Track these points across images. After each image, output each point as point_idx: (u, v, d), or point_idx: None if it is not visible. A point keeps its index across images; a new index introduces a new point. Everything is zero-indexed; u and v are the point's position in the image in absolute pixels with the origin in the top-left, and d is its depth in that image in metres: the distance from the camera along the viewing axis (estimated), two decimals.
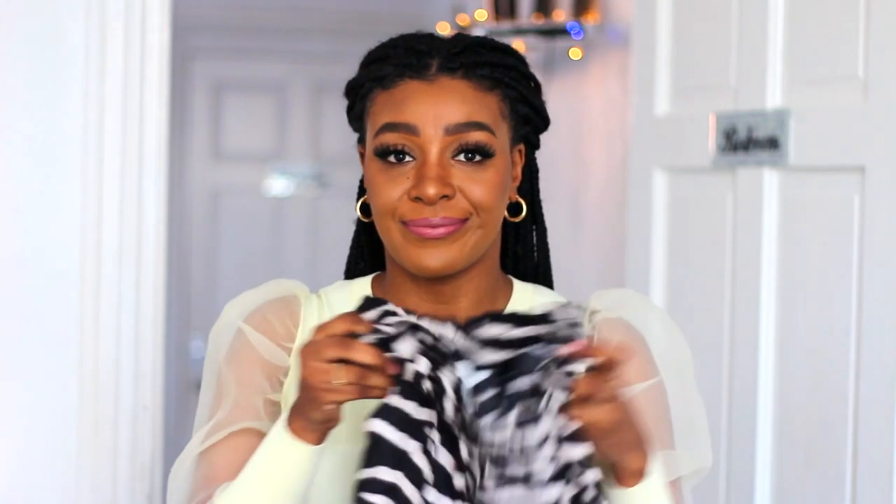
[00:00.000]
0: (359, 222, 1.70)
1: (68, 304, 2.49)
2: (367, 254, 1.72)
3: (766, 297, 2.62)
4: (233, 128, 5.89)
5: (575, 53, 4.25)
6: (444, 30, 4.89)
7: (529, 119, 1.61)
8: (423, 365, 1.37)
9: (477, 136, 1.53)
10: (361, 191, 1.66)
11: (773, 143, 2.60)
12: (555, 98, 4.42)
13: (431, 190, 1.51)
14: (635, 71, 3.08)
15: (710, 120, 2.78)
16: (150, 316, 2.56)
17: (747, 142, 2.67)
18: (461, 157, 1.53)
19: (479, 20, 4.51)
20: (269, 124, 5.90)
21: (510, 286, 1.66)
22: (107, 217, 2.51)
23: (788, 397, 2.58)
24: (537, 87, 1.63)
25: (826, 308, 2.48)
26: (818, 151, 2.51)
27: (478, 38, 1.59)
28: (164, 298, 2.61)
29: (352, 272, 1.74)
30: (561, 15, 4.26)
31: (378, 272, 1.69)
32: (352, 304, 1.56)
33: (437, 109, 1.53)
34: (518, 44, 4.39)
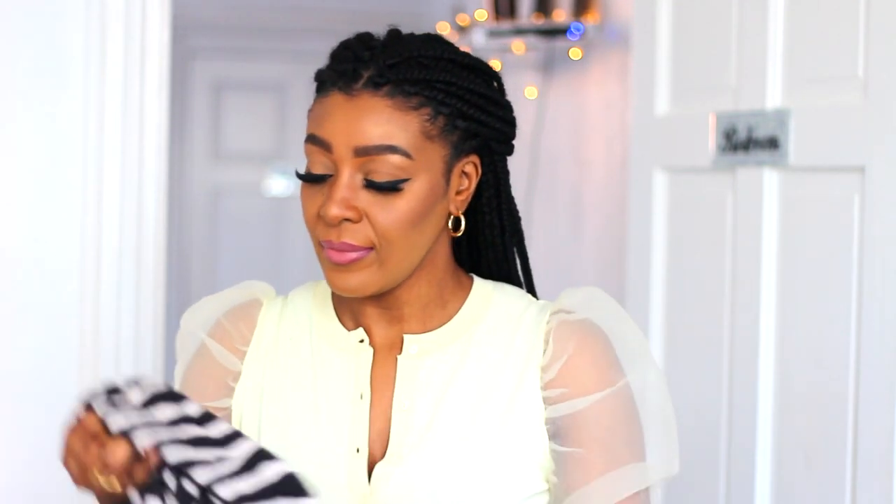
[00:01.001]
0: None
1: (68, 303, 2.49)
2: None
3: (766, 297, 2.62)
4: (233, 128, 5.89)
5: (575, 53, 4.25)
6: (444, 30, 4.89)
7: (476, 132, 1.57)
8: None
9: (390, 161, 1.47)
10: None
11: (773, 143, 2.60)
12: (555, 98, 4.42)
13: (332, 211, 1.47)
14: (635, 71, 3.08)
15: (710, 120, 2.78)
16: (150, 316, 2.56)
17: (747, 142, 2.67)
18: (369, 183, 1.48)
19: (479, 20, 4.51)
20: (269, 124, 5.90)
21: (468, 286, 1.62)
22: (107, 217, 2.51)
23: (788, 397, 2.57)
24: (487, 97, 1.59)
25: (826, 308, 2.48)
26: (818, 151, 2.51)
27: (421, 46, 1.54)
28: (164, 298, 2.61)
29: None
30: (561, 15, 4.26)
31: None
32: (314, 304, 1.60)
33: (350, 128, 1.48)
34: (518, 44, 4.39)
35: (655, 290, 2.97)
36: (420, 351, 1.58)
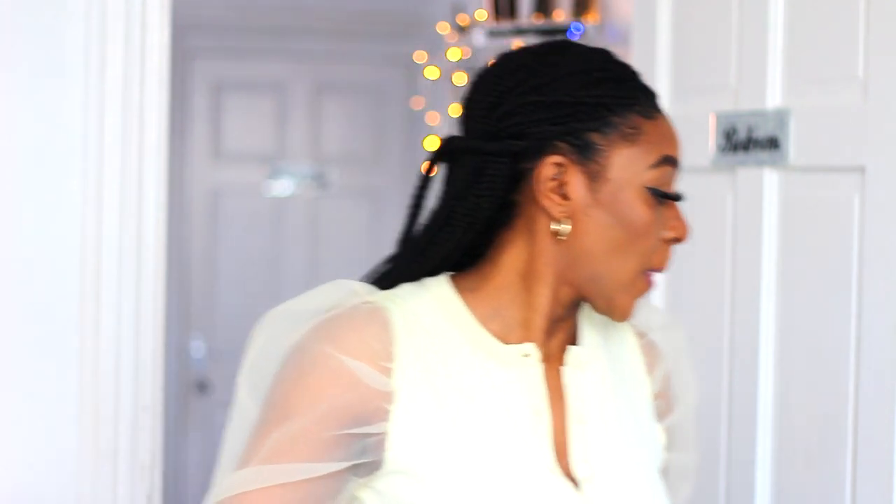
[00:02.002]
0: (477, 224, 1.53)
1: (68, 304, 2.49)
2: (456, 256, 1.57)
3: (766, 297, 2.62)
4: (233, 128, 5.89)
5: None
6: (444, 30, 4.89)
7: None
8: None
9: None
10: (487, 191, 1.52)
11: (773, 143, 2.60)
12: None
13: (688, 232, 1.55)
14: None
15: (710, 120, 2.78)
16: (150, 316, 2.56)
17: (747, 142, 2.67)
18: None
19: (479, 20, 4.51)
20: (269, 124, 5.90)
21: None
22: (107, 217, 2.51)
23: (788, 397, 2.57)
24: None
25: (826, 308, 2.47)
26: (818, 151, 2.51)
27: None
28: (164, 298, 2.61)
29: (433, 267, 1.57)
30: (561, 15, 4.26)
31: (445, 273, 1.57)
32: (444, 314, 1.50)
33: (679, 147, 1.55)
34: (518, 44, 4.39)
35: (655, 290, 2.96)
36: (580, 362, 1.57)
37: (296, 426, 1.43)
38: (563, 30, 4.20)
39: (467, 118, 1.55)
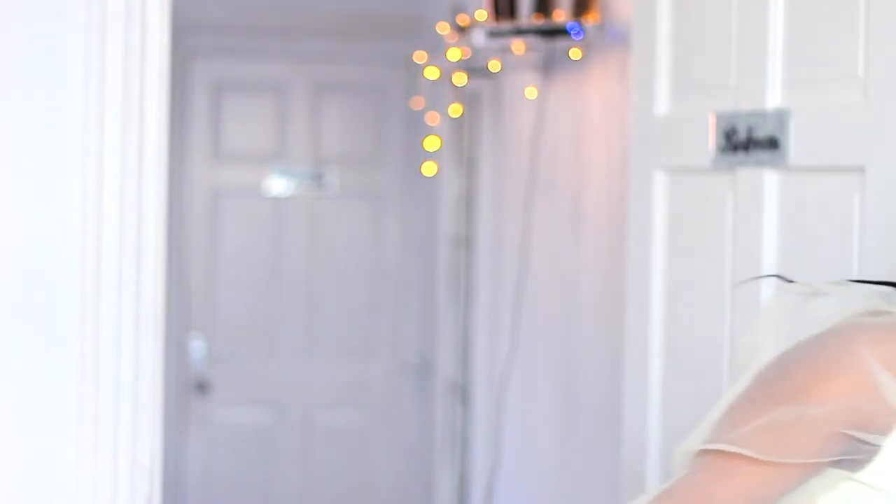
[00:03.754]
0: None
1: (68, 303, 2.49)
2: None
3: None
4: (233, 128, 5.89)
5: (575, 53, 4.25)
6: (444, 30, 4.89)
7: None
8: None
9: None
10: None
11: (773, 143, 2.60)
12: (555, 98, 4.42)
13: None
14: (635, 71, 3.08)
15: (710, 120, 2.78)
16: (150, 316, 2.55)
17: (747, 142, 2.67)
18: None
19: (479, 20, 4.51)
20: (269, 124, 5.90)
21: None
22: (107, 217, 2.51)
23: None
24: None
25: None
26: (818, 151, 2.51)
27: None
28: (164, 298, 2.60)
29: None
30: (561, 15, 4.26)
31: None
32: None
33: None
34: (518, 44, 4.39)
35: (655, 290, 2.96)
36: None
37: (807, 411, 1.40)
38: (563, 30, 4.20)
39: None
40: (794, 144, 2.55)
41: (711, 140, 2.78)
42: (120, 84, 2.51)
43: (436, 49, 5.03)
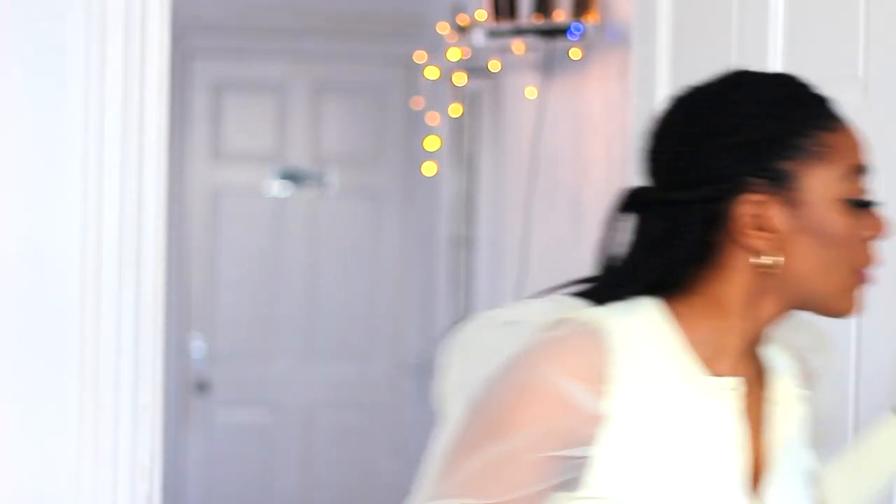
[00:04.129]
0: (679, 264, 1.51)
1: (68, 304, 2.49)
2: (682, 274, 1.54)
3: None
4: (233, 128, 5.89)
5: (575, 53, 4.25)
6: (444, 30, 4.89)
7: None
8: None
9: None
10: (692, 233, 1.51)
11: None
12: (555, 98, 4.42)
13: (886, 229, 1.56)
14: (635, 71, 3.08)
15: None
16: (150, 316, 2.56)
17: None
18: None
19: (479, 20, 4.51)
20: (269, 124, 5.90)
21: None
22: (107, 217, 2.51)
23: None
24: None
25: None
26: None
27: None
28: (164, 298, 2.61)
29: (637, 287, 1.54)
30: (561, 15, 4.26)
31: (650, 296, 1.53)
32: (651, 335, 1.48)
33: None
34: (518, 44, 4.39)
35: None
36: (778, 396, 1.58)
37: (511, 443, 1.42)
38: (563, 30, 4.20)
39: (654, 169, 1.55)
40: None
41: None
42: (120, 84, 2.52)
43: (436, 49, 5.03)
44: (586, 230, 4.25)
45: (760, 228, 1.50)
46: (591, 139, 4.22)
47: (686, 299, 1.53)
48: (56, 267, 2.49)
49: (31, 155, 2.48)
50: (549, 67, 4.41)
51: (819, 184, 1.51)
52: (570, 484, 1.45)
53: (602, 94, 4.19)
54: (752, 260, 1.50)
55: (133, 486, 2.54)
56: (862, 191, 1.56)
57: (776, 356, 1.62)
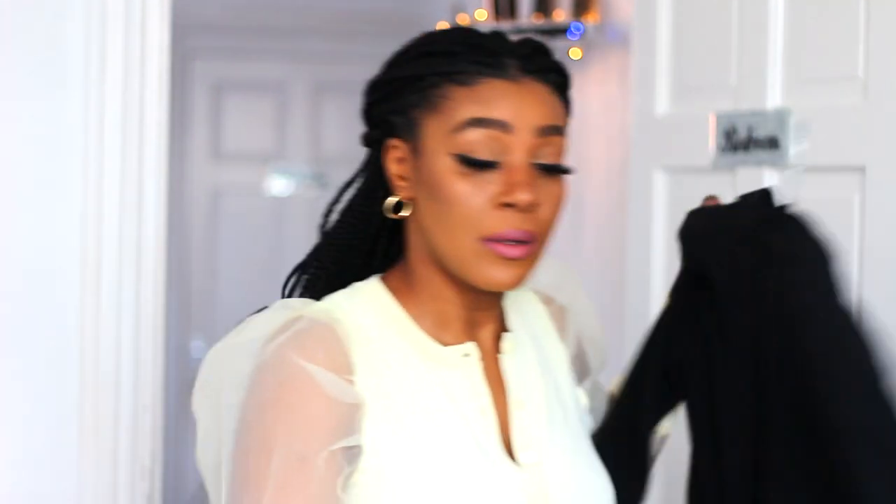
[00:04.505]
0: (376, 220, 1.54)
1: (68, 304, 2.49)
2: (379, 254, 1.57)
3: None
4: (233, 128, 5.89)
5: (575, 53, 4.25)
6: None
7: None
8: None
9: (558, 143, 1.45)
10: (373, 184, 1.54)
11: (773, 143, 2.60)
12: None
13: (527, 196, 1.42)
14: (635, 71, 3.08)
15: (710, 120, 2.78)
16: (150, 316, 2.56)
17: (747, 142, 2.67)
18: (538, 167, 1.45)
19: (479, 20, 4.51)
20: (269, 124, 5.90)
21: None
22: (107, 217, 2.51)
23: None
24: None
25: None
26: (818, 151, 2.51)
27: (534, 41, 1.50)
28: (164, 298, 2.61)
29: (352, 275, 1.56)
30: (561, 15, 4.26)
31: (377, 274, 1.56)
32: (378, 317, 1.48)
33: (526, 109, 1.43)
34: None
35: (655, 289, 2.96)
36: (513, 348, 1.57)
37: (297, 447, 1.40)
38: (564, 30, 4.20)
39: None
40: (795, 144, 2.56)
41: (711, 140, 2.79)
42: (120, 84, 2.51)
43: None
44: (586, 230, 4.25)
45: (401, 177, 1.50)
46: (591, 139, 4.22)
47: (400, 273, 1.53)
48: (56, 267, 2.49)
49: (32, 155, 2.48)
50: None
51: (432, 135, 1.45)
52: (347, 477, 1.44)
53: (602, 94, 4.19)
54: (392, 213, 1.50)
55: (133, 486, 2.54)
56: (483, 150, 1.43)
57: (527, 307, 1.62)
